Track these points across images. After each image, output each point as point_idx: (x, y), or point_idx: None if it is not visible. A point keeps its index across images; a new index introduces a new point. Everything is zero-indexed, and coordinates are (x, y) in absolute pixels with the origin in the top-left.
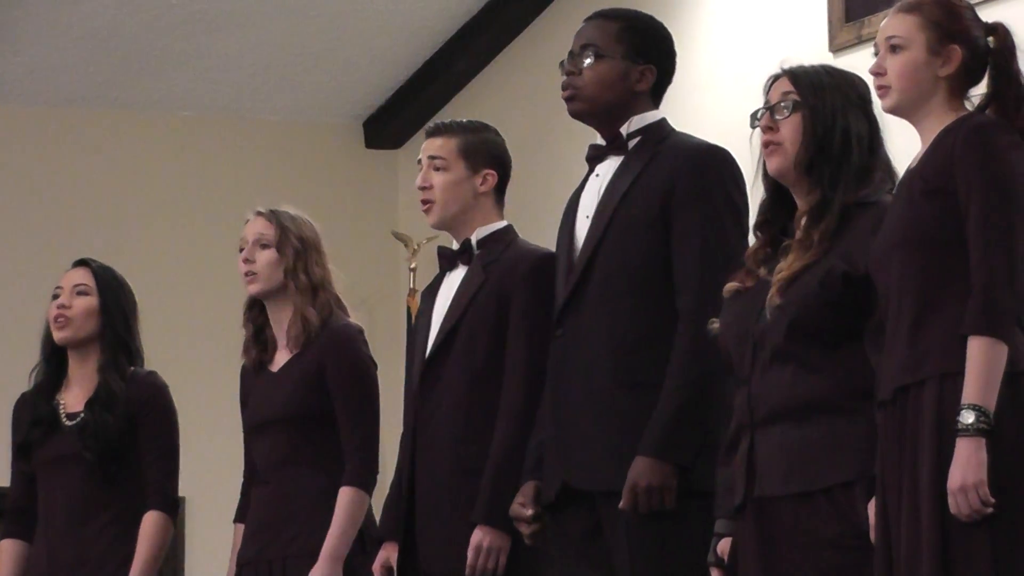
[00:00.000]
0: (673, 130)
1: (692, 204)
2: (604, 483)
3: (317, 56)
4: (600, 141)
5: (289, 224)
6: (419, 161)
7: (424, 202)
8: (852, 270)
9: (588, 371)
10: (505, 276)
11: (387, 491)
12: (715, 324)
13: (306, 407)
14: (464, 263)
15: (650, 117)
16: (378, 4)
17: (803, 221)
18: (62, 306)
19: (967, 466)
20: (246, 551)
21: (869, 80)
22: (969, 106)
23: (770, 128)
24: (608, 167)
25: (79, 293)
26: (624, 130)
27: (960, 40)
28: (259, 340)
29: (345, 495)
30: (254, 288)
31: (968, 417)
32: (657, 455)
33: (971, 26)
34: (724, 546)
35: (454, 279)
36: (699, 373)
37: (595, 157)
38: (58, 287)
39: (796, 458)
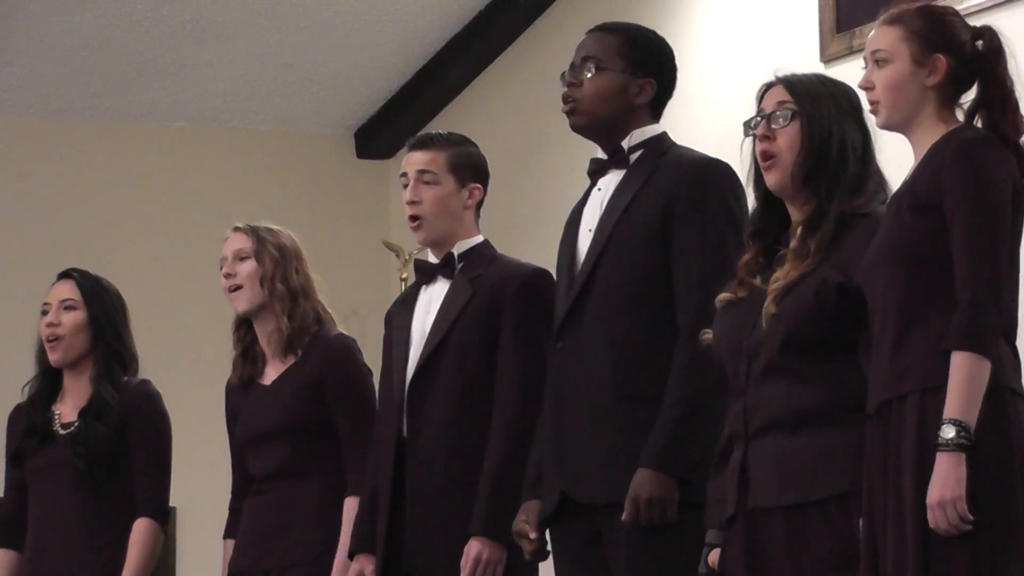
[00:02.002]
0: (674, 144)
1: (692, 217)
2: (604, 496)
3: (308, 66)
4: (600, 154)
5: (266, 235)
6: (403, 175)
7: (413, 217)
8: (847, 280)
9: (588, 384)
10: (495, 291)
11: None
12: (707, 335)
13: (305, 419)
14: (445, 277)
15: (651, 131)
16: (369, 15)
17: (798, 231)
18: (52, 324)
19: (946, 481)
20: (240, 561)
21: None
22: (960, 113)
23: (767, 137)
24: (610, 181)
25: (67, 308)
26: (625, 144)
27: (945, 48)
28: (248, 357)
29: (351, 504)
30: (240, 306)
31: (949, 432)
32: (658, 467)
33: (957, 32)
34: (715, 557)
35: (433, 293)
36: (699, 386)
37: (597, 171)
38: (46, 303)
39: (790, 469)
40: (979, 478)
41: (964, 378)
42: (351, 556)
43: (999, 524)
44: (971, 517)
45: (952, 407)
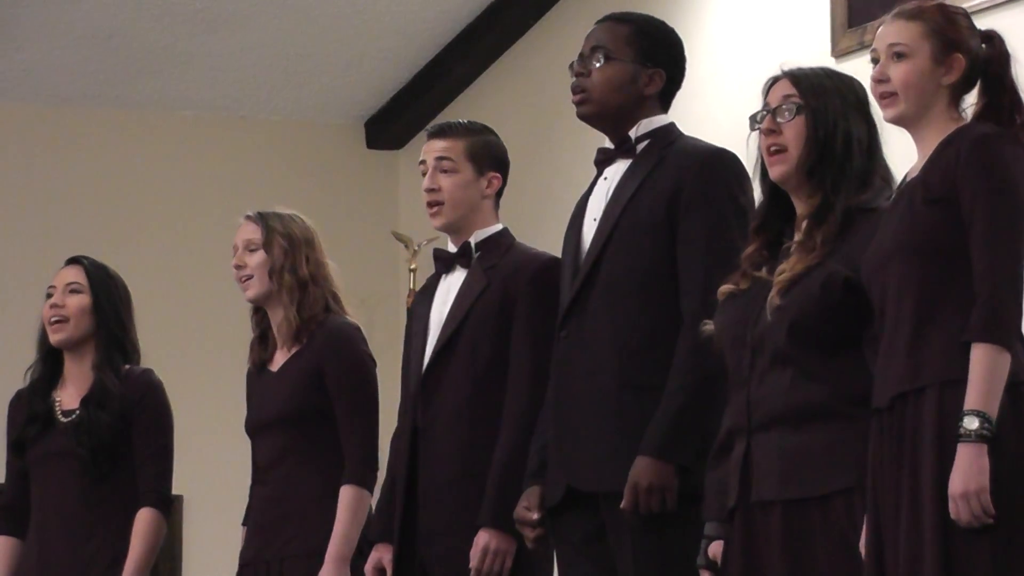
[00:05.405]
0: (681, 134)
1: (697, 207)
2: (608, 484)
3: (319, 56)
4: (608, 144)
5: (276, 224)
6: (422, 162)
7: (431, 204)
8: (853, 275)
9: (592, 373)
10: (509, 280)
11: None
12: (708, 326)
13: (304, 406)
14: (463, 266)
15: (658, 121)
16: (380, 5)
17: (804, 224)
18: (55, 306)
19: (969, 472)
20: (246, 552)
21: (867, 84)
22: (964, 113)
23: (772, 131)
24: (616, 170)
25: (72, 291)
26: (633, 133)
27: (962, 48)
28: (263, 343)
29: (346, 494)
30: (249, 293)
31: (972, 423)
32: (658, 455)
33: (969, 34)
34: (716, 549)
35: (452, 282)
36: (701, 375)
37: (603, 160)
38: (51, 286)
39: (793, 463)
40: (998, 471)
41: (986, 370)
42: (371, 545)
43: (1019, 517)
44: (993, 510)
45: (974, 398)
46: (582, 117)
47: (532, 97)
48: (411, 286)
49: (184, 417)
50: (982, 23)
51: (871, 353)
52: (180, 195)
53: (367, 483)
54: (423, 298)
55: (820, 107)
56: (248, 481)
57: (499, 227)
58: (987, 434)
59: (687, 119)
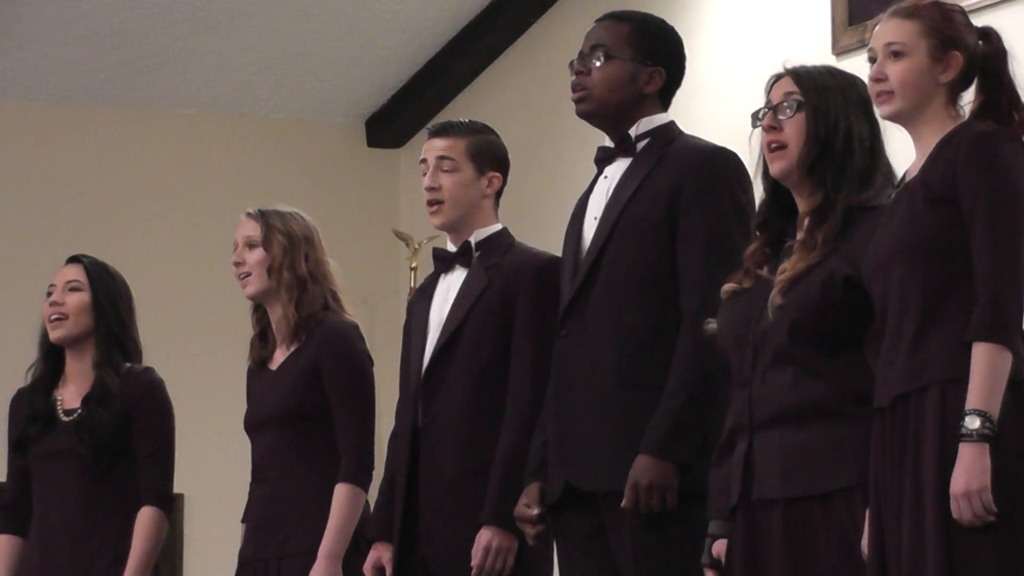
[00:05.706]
0: (681, 132)
1: (698, 205)
2: (608, 483)
3: (320, 55)
4: (608, 143)
5: (276, 221)
6: (423, 161)
7: (431, 203)
8: (854, 274)
9: (592, 372)
10: (510, 279)
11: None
12: (711, 324)
13: (301, 404)
14: (463, 265)
15: (659, 119)
16: (381, 3)
17: (806, 222)
18: (55, 303)
19: (971, 471)
20: (246, 550)
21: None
22: (962, 111)
23: (773, 128)
24: (616, 169)
25: (71, 289)
26: (633, 132)
27: (959, 46)
28: (263, 340)
29: (341, 492)
30: (248, 291)
31: (974, 422)
32: (658, 454)
33: (966, 31)
34: (719, 548)
35: (452, 281)
36: (702, 373)
37: (603, 159)
38: (52, 284)
39: (795, 462)
40: (1001, 471)
41: (987, 369)
42: (370, 543)
43: (1021, 516)
44: (995, 508)
45: (975, 398)
46: (582, 115)
47: (532, 96)
48: (412, 284)
49: (185, 415)
50: (979, 21)
51: (872, 352)
52: (181, 193)
53: (362, 481)
54: (422, 297)
55: (821, 104)
56: (249, 479)
57: (499, 226)
58: (989, 433)
59: (687, 117)
